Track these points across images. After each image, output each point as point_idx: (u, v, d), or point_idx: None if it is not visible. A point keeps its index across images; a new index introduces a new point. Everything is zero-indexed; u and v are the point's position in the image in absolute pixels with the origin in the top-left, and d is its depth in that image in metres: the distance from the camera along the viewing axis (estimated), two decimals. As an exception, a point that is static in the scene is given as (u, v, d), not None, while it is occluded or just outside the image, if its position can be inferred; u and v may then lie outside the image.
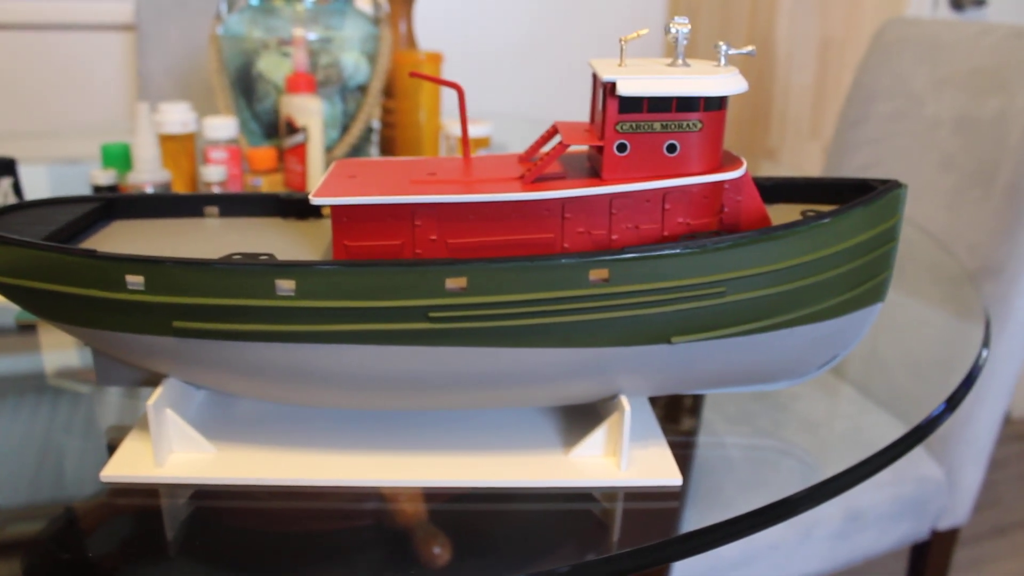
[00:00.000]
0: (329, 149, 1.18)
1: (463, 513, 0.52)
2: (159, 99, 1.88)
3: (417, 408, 0.56)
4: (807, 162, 2.05)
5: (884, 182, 0.57)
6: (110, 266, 0.50)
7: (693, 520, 0.53)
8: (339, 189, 0.52)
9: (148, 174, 0.96)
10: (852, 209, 0.53)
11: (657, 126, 0.51)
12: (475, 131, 1.15)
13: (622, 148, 0.51)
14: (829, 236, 0.52)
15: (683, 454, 0.59)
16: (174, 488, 0.54)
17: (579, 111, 2.31)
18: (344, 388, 0.53)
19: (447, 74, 2.03)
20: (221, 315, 0.50)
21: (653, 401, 0.64)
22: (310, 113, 1.07)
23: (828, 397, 0.76)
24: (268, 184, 1.10)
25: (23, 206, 0.61)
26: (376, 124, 1.32)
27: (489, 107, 2.28)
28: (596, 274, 0.49)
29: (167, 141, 1.08)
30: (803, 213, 0.55)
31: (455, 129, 1.19)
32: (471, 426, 0.59)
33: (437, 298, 0.49)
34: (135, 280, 0.50)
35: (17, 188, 1.02)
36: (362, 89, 1.19)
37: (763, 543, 1.10)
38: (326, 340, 0.50)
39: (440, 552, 0.49)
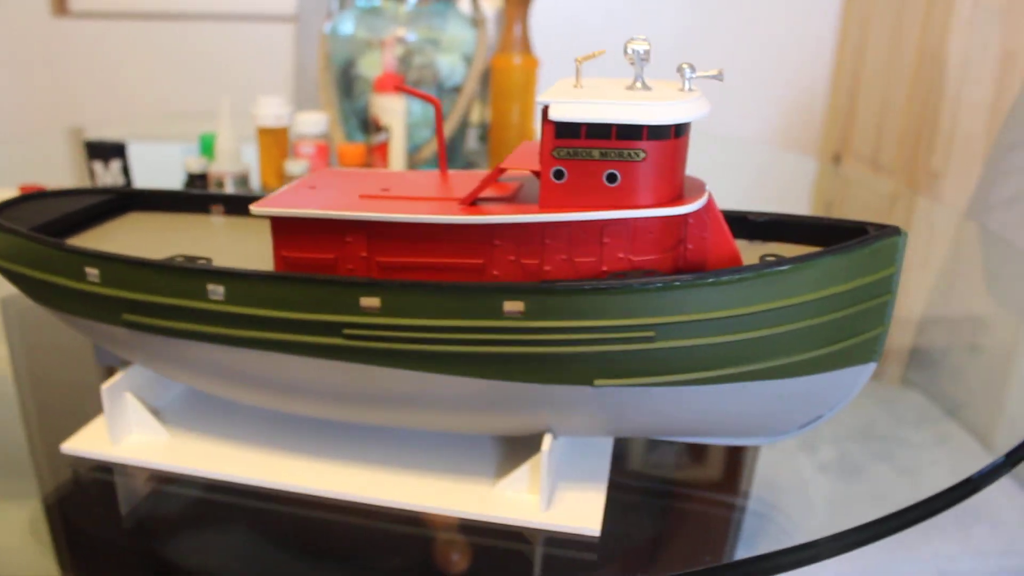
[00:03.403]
0: (419, 148, 1.19)
1: (376, 530, 0.52)
2: (313, 88, 1.97)
3: (341, 419, 0.56)
4: (974, 184, 1.87)
5: (882, 227, 0.51)
6: (73, 258, 0.54)
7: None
8: (285, 200, 0.52)
9: (227, 165, 1.02)
10: (819, 258, 0.47)
11: (596, 153, 0.47)
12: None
13: (559, 175, 0.48)
14: (787, 285, 0.47)
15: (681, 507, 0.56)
16: (130, 468, 0.57)
17: (716, 125, 2.22)
18: (270, 393, 0.54)
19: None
20: (160, 312, 0.52)
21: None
22: (393, 113, 1.09)
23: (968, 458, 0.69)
24: (354, 179, 1.13)
25: (44, 195, 0.66)
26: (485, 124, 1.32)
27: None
28: (511, 306, 0.47)
29: (264, 134, 1.13)
30: (762, 257, 0.50)
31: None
32: (419, 444, 0.58)
33: (351, 315, 0.49)
34: (93, 272, 0.53)
35: (126, 170, 1.11)
36: (458, 90, 1.20)
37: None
38: (250, 346, 0.51)
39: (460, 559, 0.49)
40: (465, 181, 0.56)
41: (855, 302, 0.49)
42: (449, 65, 1.17)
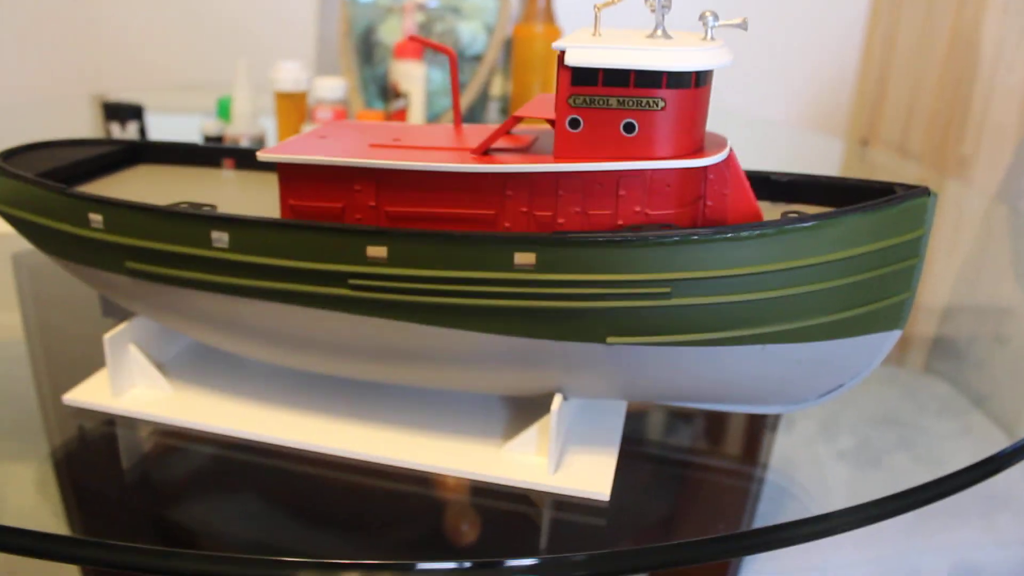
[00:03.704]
0: (438, 116, 1.18)
1: (382, 489, 0.50)
2: (335, 58, 1.96)
3: (347, 375, 0.55)
4: (1004, 172, 1.83)
5: (911, 188, 0.48)
6: (76, 203, 0.52)
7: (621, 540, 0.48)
8: (294, 147, 0.51)
9: (243, 127, 1.00)
10: (844, 215, 0.45)
11: (613, 102, 0.46)
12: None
13: (575, 124, 0.46)
14: (810, 243, 0.45)
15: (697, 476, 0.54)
16: (134, 422, 0.56)
17: (741, 105, 2.18)
18: (274, 345, 0.53)
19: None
20: (163, 260, 0.51)
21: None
22: (413, 79, 1.07)
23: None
24: (371, 147, 1.12)
25: (52, 144, 0.65)
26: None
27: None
28: (522, 258, 0.45)
29: (281, 98, 1.12)
30: (784, 213, 0.48)
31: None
32: (428, 403, 0.56)
33: (358, 265, 0.47)
34: (96, 218, 0.52)
35: (143, 131, 1.10)
36: (479, 59, 1.18)
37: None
38: (254, 295, 0.50)
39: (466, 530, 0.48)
40: (479, 133, 0.54)
41: (881, 264, 0.47)
42: (470, 33, 1.16)
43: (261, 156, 0.50)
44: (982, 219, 1.36)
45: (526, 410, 0.56)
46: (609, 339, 0.46)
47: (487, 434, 0.54)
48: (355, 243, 0.47)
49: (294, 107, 1.12)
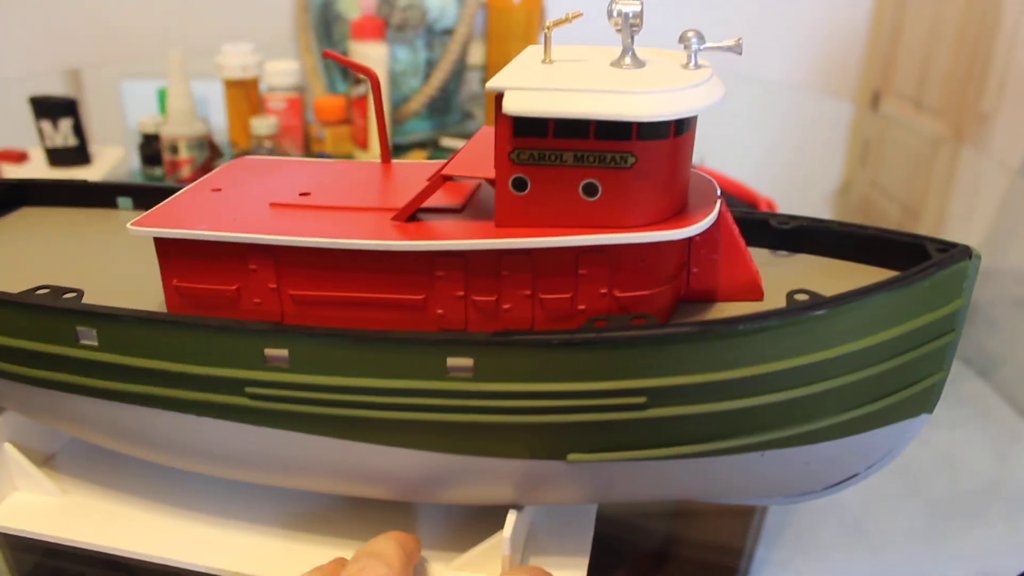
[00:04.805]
0: (406, 99, 1.07)
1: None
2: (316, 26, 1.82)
3: (258, 482, 0.45)
4: (1027, 131, 1.70)
5: (948, 247, 0.38)
6: None
7: None
8: (174, 211, 0.40)
9: (180, 128, 0.89)
10: (865, 297, 0.35)
11: (569, 158, 0.35)
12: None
13: (520, 185, 0.36)
14: (823, 335, 0.35)
15: None
16: (15, 537, 0.46)
17: (743, 62, 2.04)
18: (164, 454, 0.43)
19: (581, 29, 1.82)
20: (24, 359, 0.41)
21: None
22: (373, 62, 0.96)
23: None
24: (333, 137, 1.01)
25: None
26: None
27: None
28: (456, 363, 0.36)
29: (230, 86, 1.01)
30: (790, 295, 0.38)
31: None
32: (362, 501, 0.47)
33: (255, 371, 0.37)
34: None
35: (78, 129, 0.99)
36: (449, 33, 1.07)
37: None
38: (135, 402, 0.40)
39: None
40: (412, 177, 0.44)
41: (909, 348, 0.37)
42: (439, 6, 1.04)
43: (131, 229, 0.39)
44: (1003, 179, 1.27)
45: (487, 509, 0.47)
46: (571, 456, 0.37)
47: (438, 543, 0.44)
48: (249, 344, 0.37)
49: (244, 96, 1.01)
